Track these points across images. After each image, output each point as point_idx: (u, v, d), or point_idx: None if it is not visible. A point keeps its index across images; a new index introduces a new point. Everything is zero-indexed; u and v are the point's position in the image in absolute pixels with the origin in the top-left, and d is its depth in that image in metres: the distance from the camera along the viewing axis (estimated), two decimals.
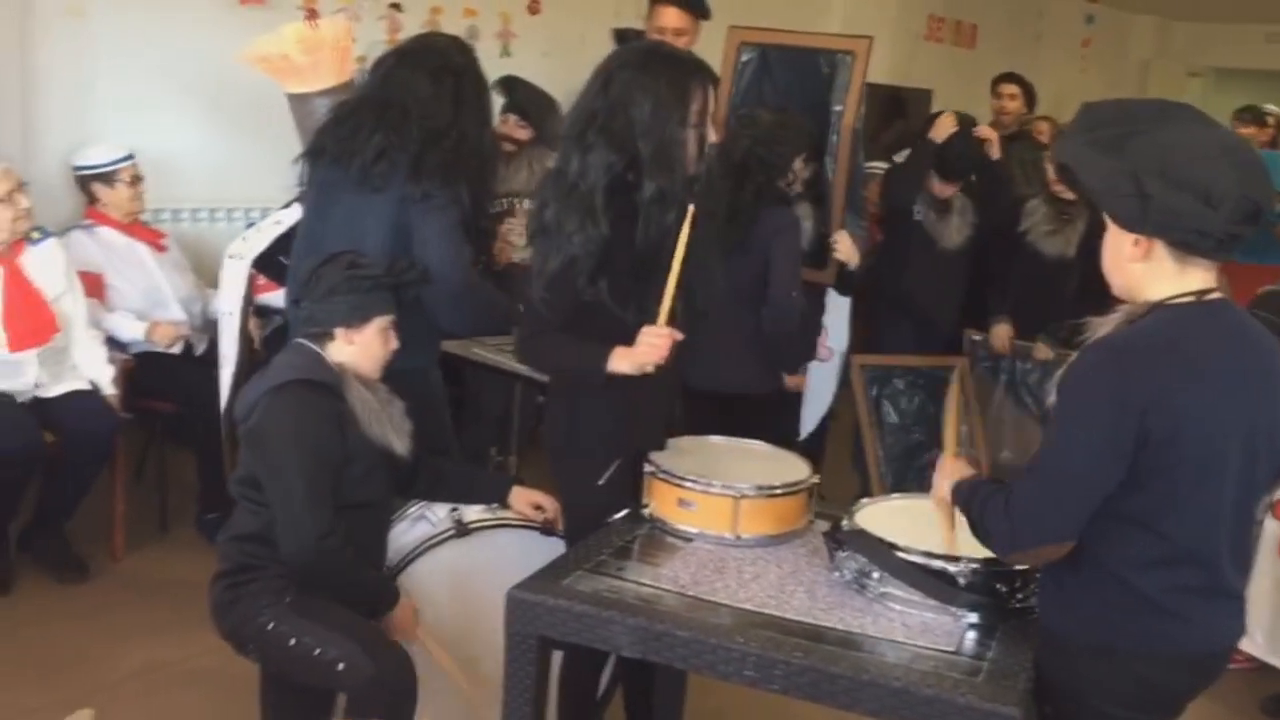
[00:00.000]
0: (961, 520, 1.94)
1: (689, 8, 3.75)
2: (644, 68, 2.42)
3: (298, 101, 3.54)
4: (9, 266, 3.54)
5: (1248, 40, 11.35)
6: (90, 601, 3.59)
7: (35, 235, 3.66)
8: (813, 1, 7.35)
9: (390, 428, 2.51)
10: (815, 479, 2.42)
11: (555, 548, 2.66)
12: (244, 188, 4.79)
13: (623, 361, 2.39)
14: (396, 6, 5.36)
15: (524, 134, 4.62)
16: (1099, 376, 1.73)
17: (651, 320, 2.39)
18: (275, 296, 4.15)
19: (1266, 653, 3.52)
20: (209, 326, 4.22)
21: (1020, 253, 4.60)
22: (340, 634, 2.38)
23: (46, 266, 3.65)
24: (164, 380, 4.01)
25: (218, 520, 3.97)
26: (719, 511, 2.31)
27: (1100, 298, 1.91)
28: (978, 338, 4.83)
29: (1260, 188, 1.73)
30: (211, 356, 4.05)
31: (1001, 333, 4.72)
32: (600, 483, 2.50)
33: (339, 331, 2.49)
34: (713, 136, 2.47)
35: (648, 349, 2.37)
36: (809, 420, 4.07)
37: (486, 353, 3.72)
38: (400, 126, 2.89)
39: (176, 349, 4.09)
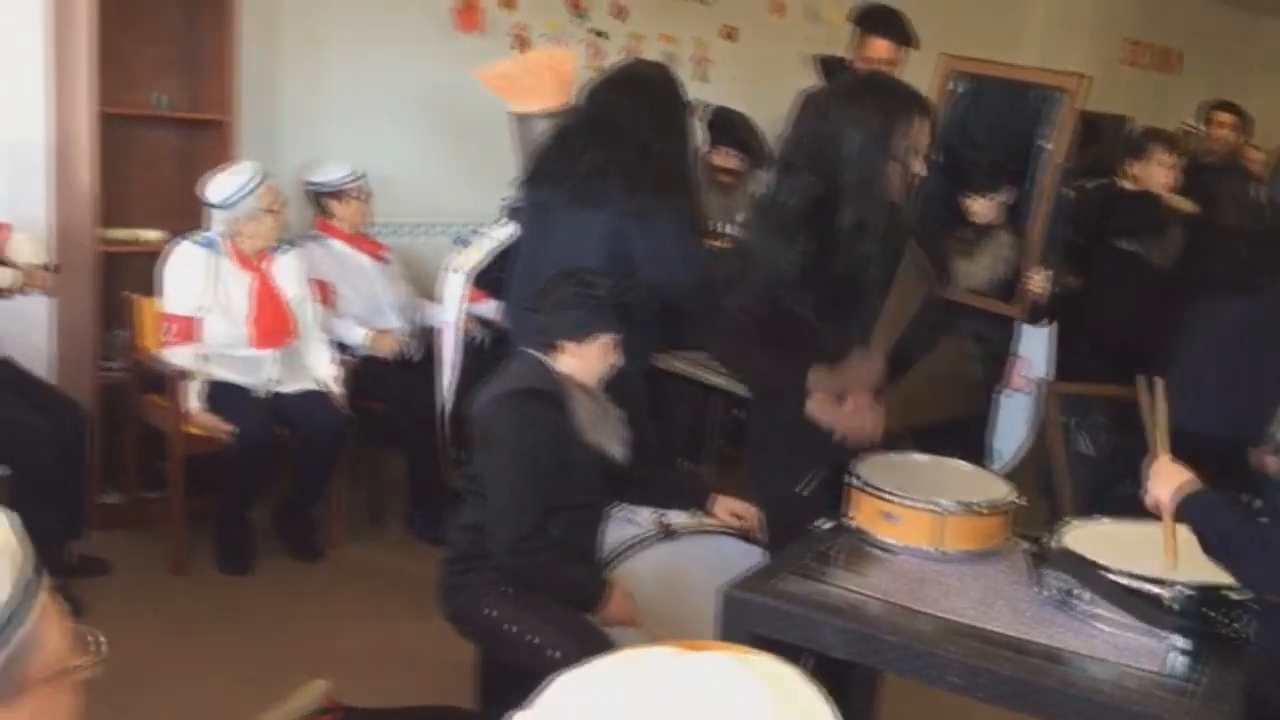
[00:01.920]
0: (1184, 533, 1.96)
1: (899, 38, 3.83)
2: (857, 98, 2.53)
3: (521, 121, 3.78)
4: (259, 273, 3.88)
5: None
6: (316, 584, 3.89)
7: (280, 244, 4.00)
8: (1008, 25, 7.30)
9: (609, 435, 2.68)
10: (1021, 500, 2.46)
11: (754, 554, 2.78)
12: (456, 203, 5.08)
13: (821, 410, 2.52)
14: (599, 33, 5.59)
15: (736, 163, 4.76)
16: None
17: (844, 347, 2.51)
18: (484, 308, 4.41)
19: None
20: (422, 334, 4.51)
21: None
22: (553, 625, 2.54)
23: (288, 274, 3.99)
24: (382, 383, 4.30)
25: (424, 517, 4.24)
26: (922, 525, 2.38)
27: None
28: None
29: None
30: (425, 362, 4.33)
31: None
32: (802, 491, 2.61)
33: (564, 344, 2.67)
34: (918, 168, 2.55)
35: (847, 422, 2.51)
36: (1006, 451, 4.07)
37: (683, 365, 3.87)
38: (613, 144, 3.09)
39: (393, 356, 4.37)
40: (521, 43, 5.28)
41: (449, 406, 3.89)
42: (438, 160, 5.05)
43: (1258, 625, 1.96)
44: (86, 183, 3.94)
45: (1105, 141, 7.42)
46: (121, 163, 4.11)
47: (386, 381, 4.30)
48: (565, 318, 2.64)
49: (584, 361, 2.67)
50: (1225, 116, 5.83)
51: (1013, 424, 4.11)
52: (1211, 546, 1.89)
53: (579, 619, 2.58)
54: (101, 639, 1.06)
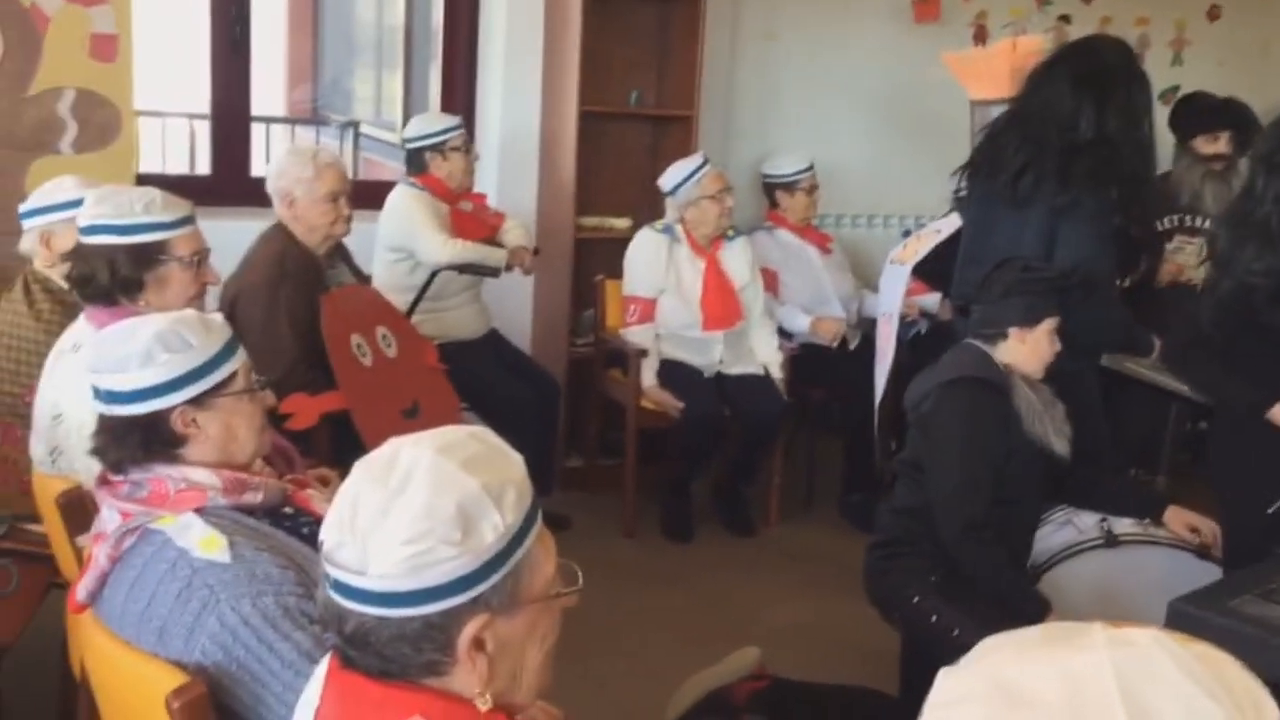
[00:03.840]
0: None
1: None
2: None
3: (977, 109, 3.74)
4: (709, 258, 4.13)
5: None
6: (749, 558, 4.07)
7: (730, 233, 4.21)
8: None
9: (1051, 429, 2.60)
10: None
11: (1208, 572, 2.59)
12: (902, 197, 5.10)
13: None
14: (1065, 19, 5.35)
15: (1228, 147, 4.38)
16: None
17: None
18: (925, 300, 4.38)
19: None
20: (863, 324, 4.57)
21: None
22: (977, 621, 2.49)
23: (737, 260, 4.19)
24: (821, 370, 4.40)
25: (858, 502, 4.30)
26: None
27: None
28: None
29: None
30: (863, 351, 4.38)
31: None
32: (1270, 511, 2.39)
33: (1012, 331, 2.62)
34: None
35: None
36: None
37: (1140, 368, 3.63)
38: (1040, 140, 2.97)
39: (834, 343, 4.47)
40: (980, 32, 5.18)
41: (880, 397, 3.92)
42: (888, 153, 5.08)
43: None
44: (566, 175, 4.36)
45: None
46: (596, 156, 4.51)
47: (826, 369, 4.40)
48: (1012, 305, 2.60)
49: (1030, 348, 2.61)
50: None
51: None
52: None
53: (1005, 620, 2.52)
54: (580, 573, 1.22)
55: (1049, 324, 2.60)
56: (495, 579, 1.11)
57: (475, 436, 1.19)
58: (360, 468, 1.16)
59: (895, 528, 2.69)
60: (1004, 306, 2.61)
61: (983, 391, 2.58)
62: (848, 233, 5.08)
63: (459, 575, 1.09)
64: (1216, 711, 0.73)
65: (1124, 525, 2.77)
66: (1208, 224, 3.93)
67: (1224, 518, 2.58)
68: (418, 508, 1.10)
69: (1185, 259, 3.99)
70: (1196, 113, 4.26)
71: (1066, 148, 2.92)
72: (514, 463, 1.19)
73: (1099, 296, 2.91)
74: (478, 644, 1.11)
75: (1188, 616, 2.02)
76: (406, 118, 4.93)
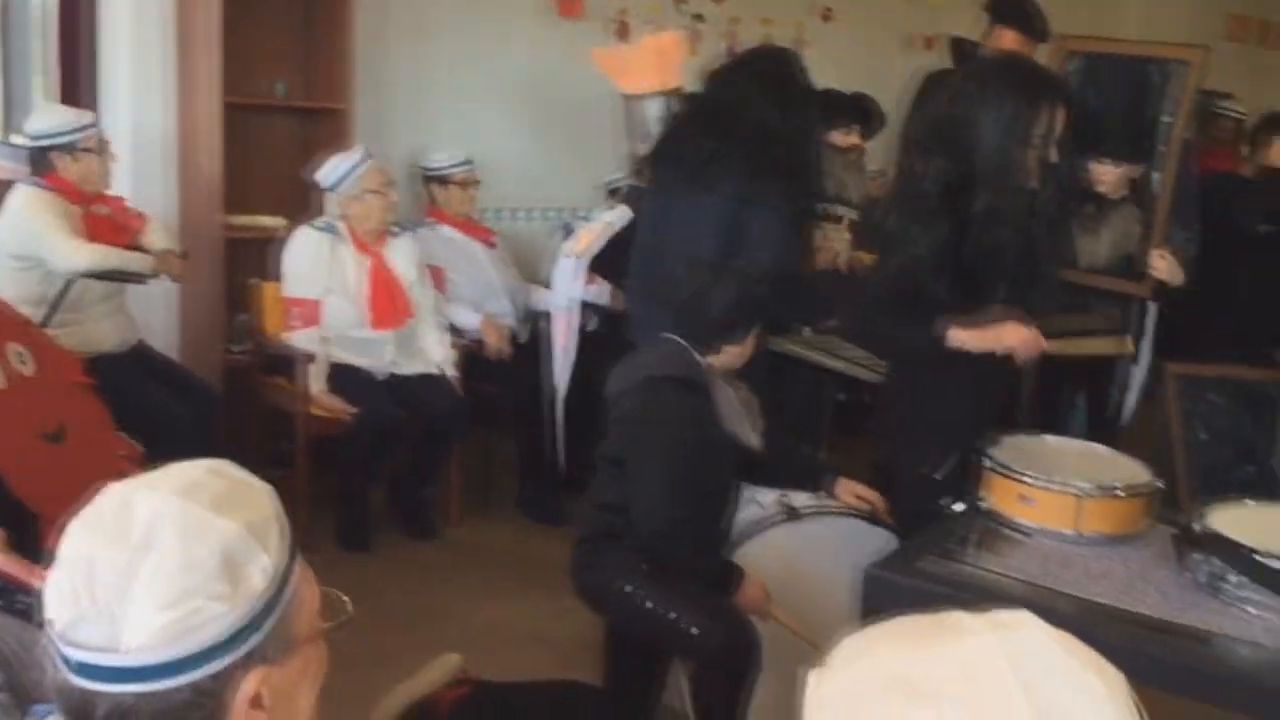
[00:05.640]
0: None
1: (1030, 31, 3.77)
2: (993, 82, 2.52)
3: (631, 102, 3.84)
4: (375, 255, 3.97)
5: None
6: (432, 562, 3.97)
7: (395, 229, 4.08)
8: (1105, 3, 7.16)
9: (748, 424, 2.70)
10: (1158, 483, 2.44)
11: (881, 536, 2.80)
12: (558, 189, 5.14)
13: (969, 337, 2.49)
14: (699, 18, 5.60)
15: (859, 139, 4.74)
16: None
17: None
18: (596, 292, 4.44)
19: None
20: (528, 317, 4.57)
21: None
22: (693, 603, 2.56)
23: (403, 257, 4.07)
24: (492, 366, 4.36)
25: (533, 498, 4.31)
26: (1060, 508, 2.36)
27: None
28: None
29: None
30: (532, 345, 4.40)
31: None
32: (935, 475, 2.61)
33: (725, 347, 2.69)
34: (1054, 156, 2.54)
35: (1008, 333, 2.48)
36: None
37: (795, 347, 3.87)
38: (729, 130, 3.12)
39: (498, 354, 4.40)
40: (622, 28, 5.32)
41: (563, 391, 3.95)
42: (541, 146, 5.11)
43: None
44: (210, 171, 4.05)
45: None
46: (242, 151, 4.23)
47: (497, 364, 4.36)
48: (730, 324, 2.65)
49: (734, 356, 2.70)
50: None
51: None
52: None
53: (719, 600, 2.60)
54: (347, 600, 1.12)
55: (755, 330, 2.70)
56: (268, 626, 1.00)
57: (215, 471, 1.06)
58: (84, 527, 0.99)
59: (600, 522, 2.70)
60: (720, 325, 2.64)
61: (685, 392, 2.62)
62: (507, 226, 5.06)
63: (231, 632, 0.97)
64: (1099, 686, 0.76)
65: (801, 499, 2.93)
66: (846, 211, 4.25)
67: (896, 482, 2.79)
68: (173, 564, 0.95)
69: (834, 244, 4.29)
70: (830, 109, 4.59)
71: (752, 138, 3.07)
72: (266, 494, 1.07)
73: (789, 279, 3.09)
74: (255, 702, 0.99)
75: (882, 581, 2.17)
76: (7, 109, 4.42)
